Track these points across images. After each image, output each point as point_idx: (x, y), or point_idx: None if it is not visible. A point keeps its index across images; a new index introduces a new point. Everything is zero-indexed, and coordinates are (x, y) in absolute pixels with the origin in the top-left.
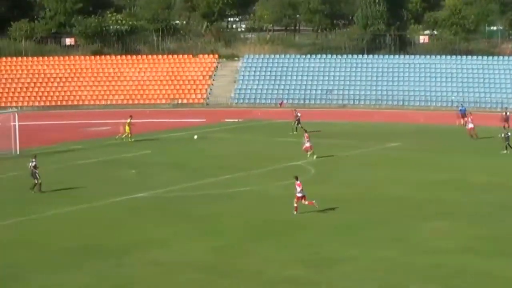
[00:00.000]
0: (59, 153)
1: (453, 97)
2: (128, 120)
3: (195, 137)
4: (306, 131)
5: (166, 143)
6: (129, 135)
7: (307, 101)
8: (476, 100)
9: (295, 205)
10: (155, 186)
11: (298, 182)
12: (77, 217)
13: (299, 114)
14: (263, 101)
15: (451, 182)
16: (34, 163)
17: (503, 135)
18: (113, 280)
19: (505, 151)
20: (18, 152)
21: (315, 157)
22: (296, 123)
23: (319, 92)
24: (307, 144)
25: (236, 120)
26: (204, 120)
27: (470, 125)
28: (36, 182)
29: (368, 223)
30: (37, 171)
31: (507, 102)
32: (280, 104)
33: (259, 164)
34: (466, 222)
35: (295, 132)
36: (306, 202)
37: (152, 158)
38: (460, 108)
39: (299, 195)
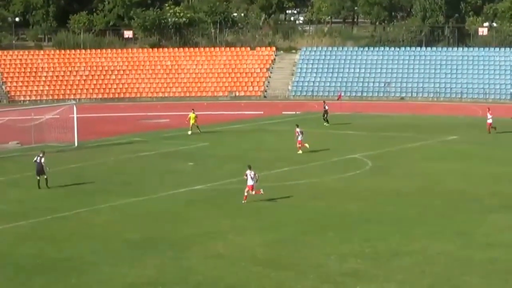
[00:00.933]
0: (118, 145)
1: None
2: (189, 114)
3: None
4: (297, 126)
5: (223, 135)
6: (197, 127)
7: (365, 94)
8: None
9: (245, 194)
10: (212, 178)
11: (251, 172)
12: (135, 209)
13: (327, 107)
14: (321, 93)
15: (510, 175)
16: (43, 158)
17: None
18: (173, 273)
19: None
20: (76, 144)
21: (300, 151)
22: (325, 115)
23: (377, 84)
24: (300, 138)
25: (294, 112)
26: (262, 112)
27: (489, 120)
28: (46, 177)
29: (427, 217)
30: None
31: None
32: (338, 97)
33: (316, 156)
34: None
35: (326, 124)
36: (253, 192)
37: (209, 151)
38: None
39: (250, 184)
